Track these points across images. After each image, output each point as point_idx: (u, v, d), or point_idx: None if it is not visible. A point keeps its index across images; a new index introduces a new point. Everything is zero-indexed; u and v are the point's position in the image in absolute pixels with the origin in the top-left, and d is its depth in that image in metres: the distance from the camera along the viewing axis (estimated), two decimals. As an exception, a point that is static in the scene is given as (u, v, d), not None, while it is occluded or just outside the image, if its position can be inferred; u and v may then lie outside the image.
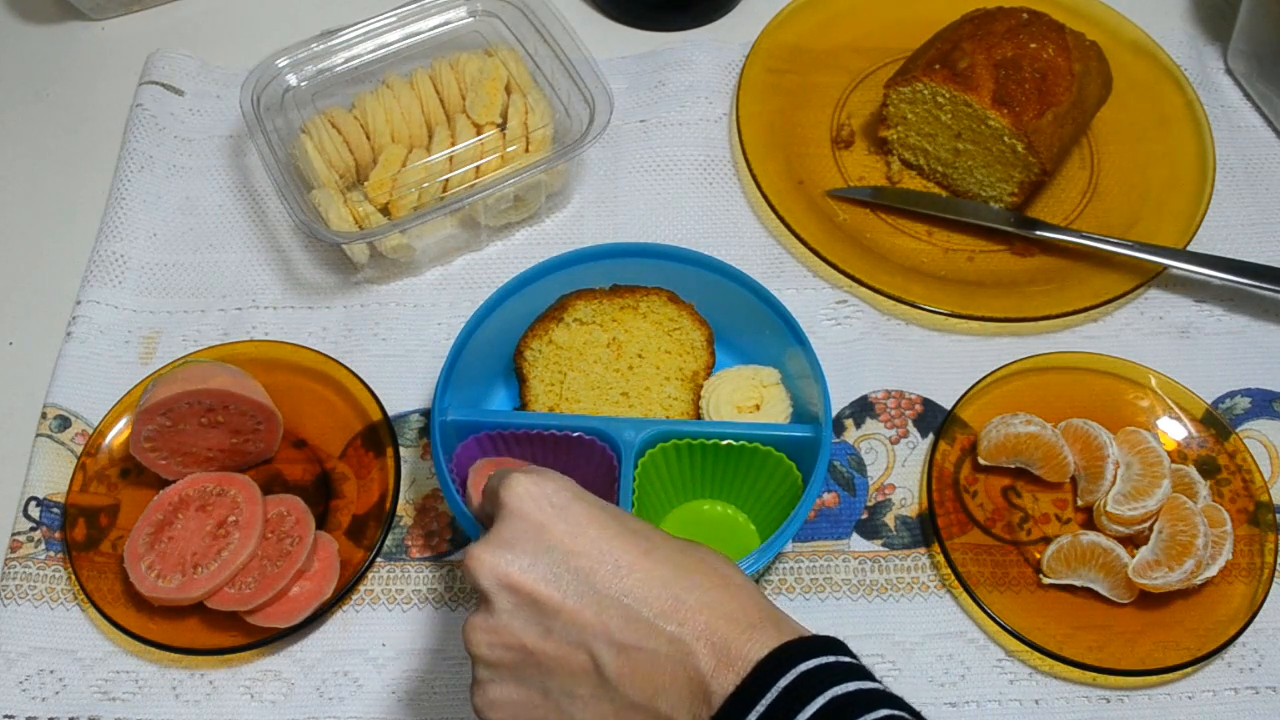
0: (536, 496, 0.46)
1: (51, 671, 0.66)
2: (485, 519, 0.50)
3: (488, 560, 0.46)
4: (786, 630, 0.44)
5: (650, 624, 0.44)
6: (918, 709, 0.63)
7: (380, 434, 0.71)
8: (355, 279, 0.81)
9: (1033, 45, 0.78)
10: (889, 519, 0.71)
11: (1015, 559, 0.69)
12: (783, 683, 0.41)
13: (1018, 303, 0.77)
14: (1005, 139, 0.78)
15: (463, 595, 0.68)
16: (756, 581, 0.69)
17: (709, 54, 0.91)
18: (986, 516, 0.70)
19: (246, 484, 0.67)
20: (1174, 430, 0.73)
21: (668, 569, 0.45)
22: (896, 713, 0.41)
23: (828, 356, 0.70)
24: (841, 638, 0.67)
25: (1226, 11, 0.94)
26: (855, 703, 0.41)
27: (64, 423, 0.73)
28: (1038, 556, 0.69)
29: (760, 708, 0.41)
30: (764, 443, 0.66)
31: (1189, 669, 0.65)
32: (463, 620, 0.50)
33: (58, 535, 0.70)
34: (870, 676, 0.44)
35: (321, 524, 0.70)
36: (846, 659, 0.44)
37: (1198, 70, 0.91)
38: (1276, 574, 0.68)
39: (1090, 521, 0.70)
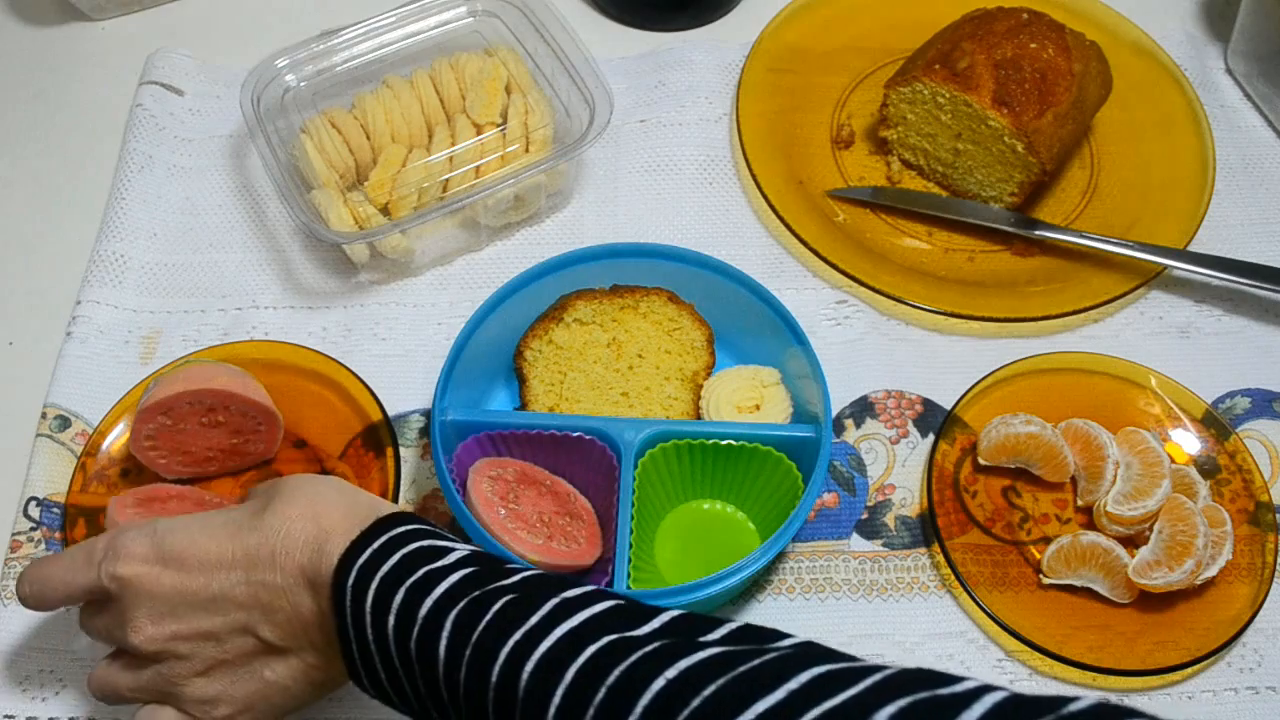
0: (139, 559, 0.52)
1: (51, 671, 0.66)
2: (97, 595, 0.55)
3: (148, 632, 0.52)
4: (354, 526, 0.50)
5: (269, 586, 0.50)
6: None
7: (380, 434, 0.71)
8: (355, 279, 0.81)
9: (1033, 45, 0.78)
10: (889, 519, 0.71)
11: (1015, 559, 0.69)
12: (350, 581, 0.48)
13: (1018, 303, 0.77)
14: (1005, 139, 0.78)
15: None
16: (756, 582, 0.69)
17: (709, 54, 0.91)
18: (986, 516, 0.70)
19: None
20: (1174, 430, 0.73)
21: (252, 536, 0.51)
22: (430, 567, 0.48)
23: (828, 356, 0.70)
24: (842, 637, 0.67)
25: (1226, 11, 0.94)
26: (401, 569, 0.48)
27: (64, 423, 0.73)
28: (1038, 556, 0.69)
29: (347, 613, 0.48)
30: (764, 443, 0.66)
31: (1189, 669, 0.65)
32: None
33: (58, 535, 0.70)
34: (419, 533, 0.50)
35: (321, 524, 0.70)
36: (401, 528, 0.50)
37: (1198, 70, 0.91)
38: (1277, 574, 0.68)
39: (1090, 522, 0.70)
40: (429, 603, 0.46)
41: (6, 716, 0.64)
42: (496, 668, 0.44)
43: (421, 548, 0.49)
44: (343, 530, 0.50)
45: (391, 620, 0.47)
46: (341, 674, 0.51)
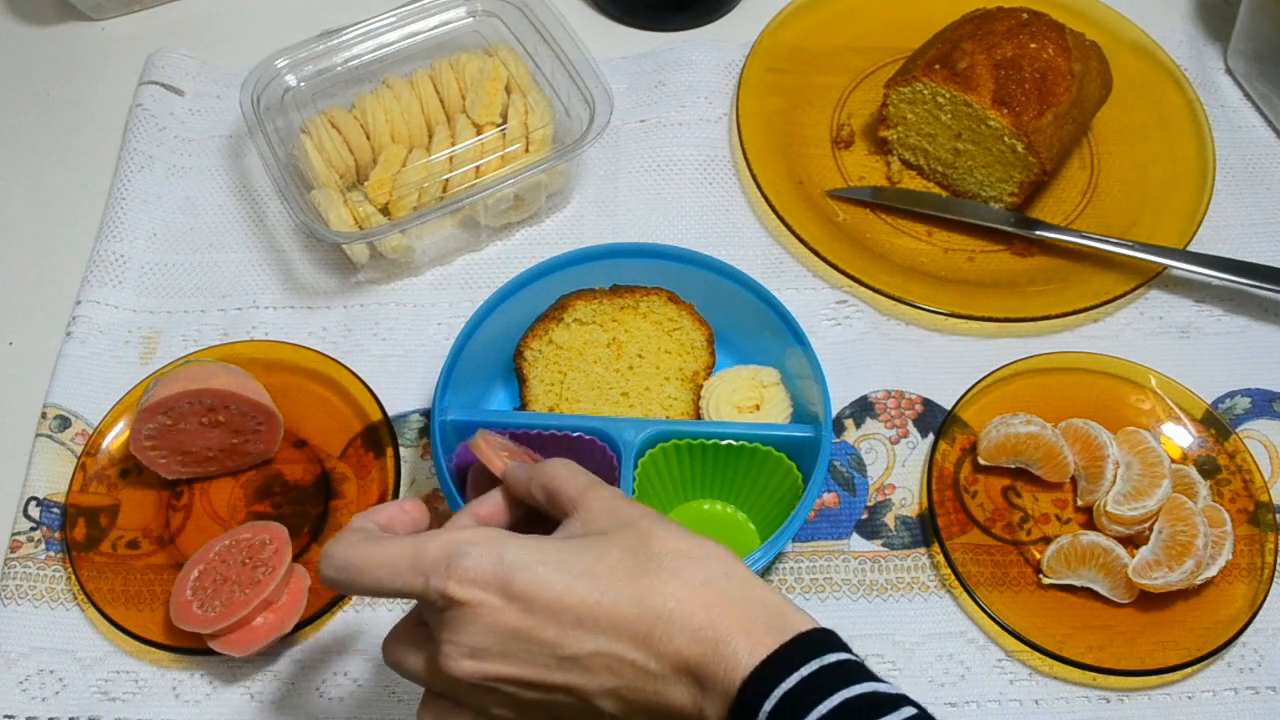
0: (481, 584, 0.45)
1: (51, 671, 0.66)
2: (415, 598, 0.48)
3: (467, 665, 0.45)
4: (759, 629, 0.43)
5: (634, 666, 0.44)
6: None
7: (380, 434, 0.71)
8: (355, 279, 0.81)
9: (1033, 45, 0.78)
10: (889, 519, 0.71)
11: (1015, 559, 0.69)
12: (768, 708, 0.41)
13: (1018, 303, 0.77)
14: (1005, 139, 0.78)
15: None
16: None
17: (709, 54, 0.91)
18: (986, 516, 0.70)
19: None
20: (1174, 430, 0.73)
21: (624, 603, 0.44)
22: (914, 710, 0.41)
23: (828, 356, 0.70)
24: (842, 638, 0.67)
25: (1226, 11, 0.94)
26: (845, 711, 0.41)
27: (64, 423, 0.73)
28: (1038, 556, 0.69)
29: None
30: (764, 443, 0.66)
31: (1189, 669, 0.65)
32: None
33: (58, 535, 0.70)
34: (854, 672, 0.43)
35: (321, 524, 0.70)
36: (832, 658, 0.43)
37: (1198, 70, 0.91)
38: (1276, 574, 0.68)
39: (1090, 521, 0.70)
40: None
41: (6, 716, 0.64)
42: None
43: (863, 695, 0.41)
44: (743, 630, 0.42)
45: None
46: None
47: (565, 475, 0.50)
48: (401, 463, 0.71)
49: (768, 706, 0.40)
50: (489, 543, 0.45)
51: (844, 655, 0.43)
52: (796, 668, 0.41)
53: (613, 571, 0.45)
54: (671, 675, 0.43)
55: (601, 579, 0.44)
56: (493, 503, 0.53)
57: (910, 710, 0.41)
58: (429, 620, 0.47)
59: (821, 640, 0.43)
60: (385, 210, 0.78)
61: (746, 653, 0.42)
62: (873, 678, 0.42)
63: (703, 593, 0.44)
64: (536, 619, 0.44)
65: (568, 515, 0.49)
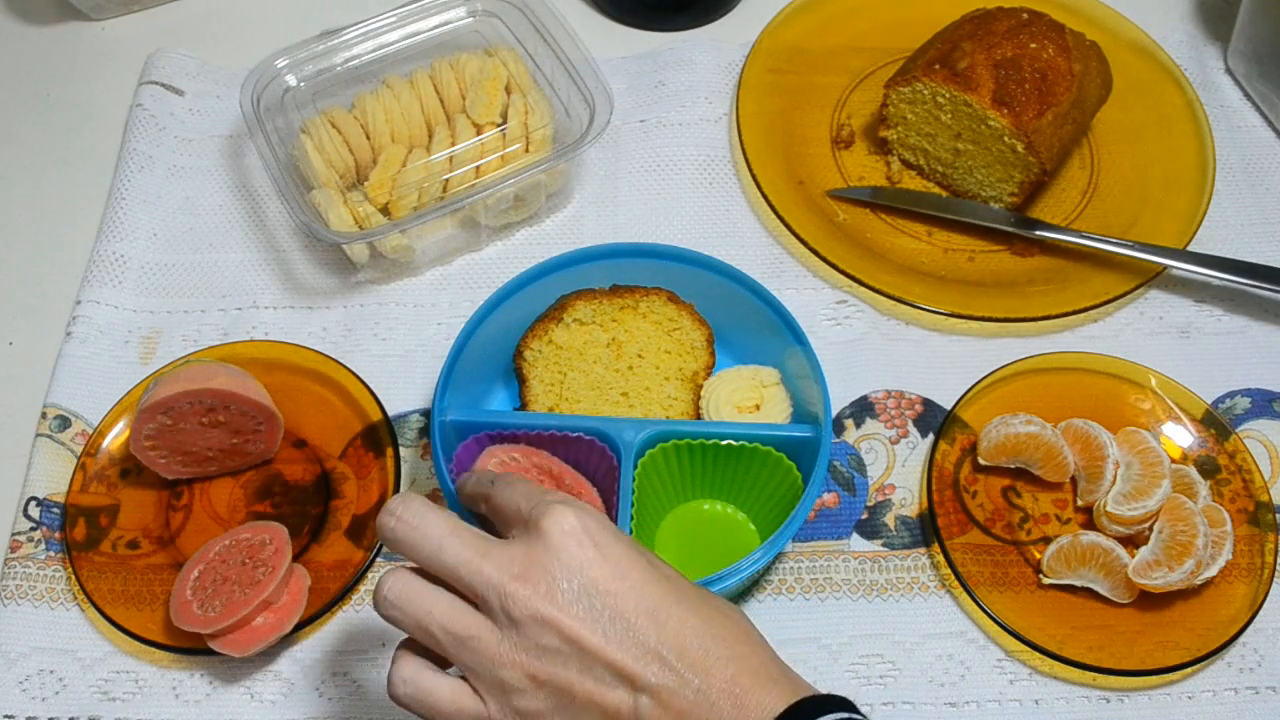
0: (579, 532, 0.46)
1: (51, 671, 0.66)
2: (480, 515, 0.49)
3: (523, 592, 0.45)
4: (801, 688, 0.45)
5: (681, 674, 0.44)
6: (917, 709, 0.64)
7: (380, 434, 0.71)
8: (355, 279, 0.81)
9: (1033, 45, 0.78)
10: (889, 519, 0.71)
11: (1015, 559, 0.69)
12: None
13: (1018, 303, 0.77)
14: (1005, 139, 0.78)
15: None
16: (756, 582, 0.69)
17: (709, 54, 0.91)
18: (986, 516, 0.70)
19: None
20: (1174, 430, 0.73)
21: (697, 619, 0.45)
22: None
23: (828, 356, 0.70)
24: (842, 638, 0.67)
25: (1226, 11, 0.94)
26: None
27: (64, 423, 0.73)
28: (1038, 556, 0.69)
29: None
30: (764, 443, 0.66)
31: (1189, 669, 0.65)
32: (473, 643, 0.46)
33: (58, 535, 0.70)
34: None
35: (321, 524, 0.70)
36: (859, 716, 0.45)
37: (1198, 70, 0.91)
38: (1276, 574, 0.68)
39: (1090, 521, 0.70)
40: None
41: (6, 716, 0.64)
42: None
43: None
44: (785, 679, 0.46)
45: None
46: None
47: (520, 494, 0.51)
48: (401, 463, 0.71)
49: None
50: (594, 513, 0.47)
51: (856, 715, 0.45)
52: (816, 717, 0.43)
53: (692, 594, 0.47)
54: (715, 696, 0.44)
55: (684, 591, 0.46)
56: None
57: None
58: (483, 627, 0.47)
59: (840, 703, 0.45)
60: (385, 210, 0.78)
61: (790, 693, 0.44)
62: None
63: (757, 646, 0.47)
64: (620, 586, 0.45)
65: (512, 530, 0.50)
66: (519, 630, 0.45)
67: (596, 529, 0.46)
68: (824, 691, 0.46)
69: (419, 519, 0.48)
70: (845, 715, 0.44)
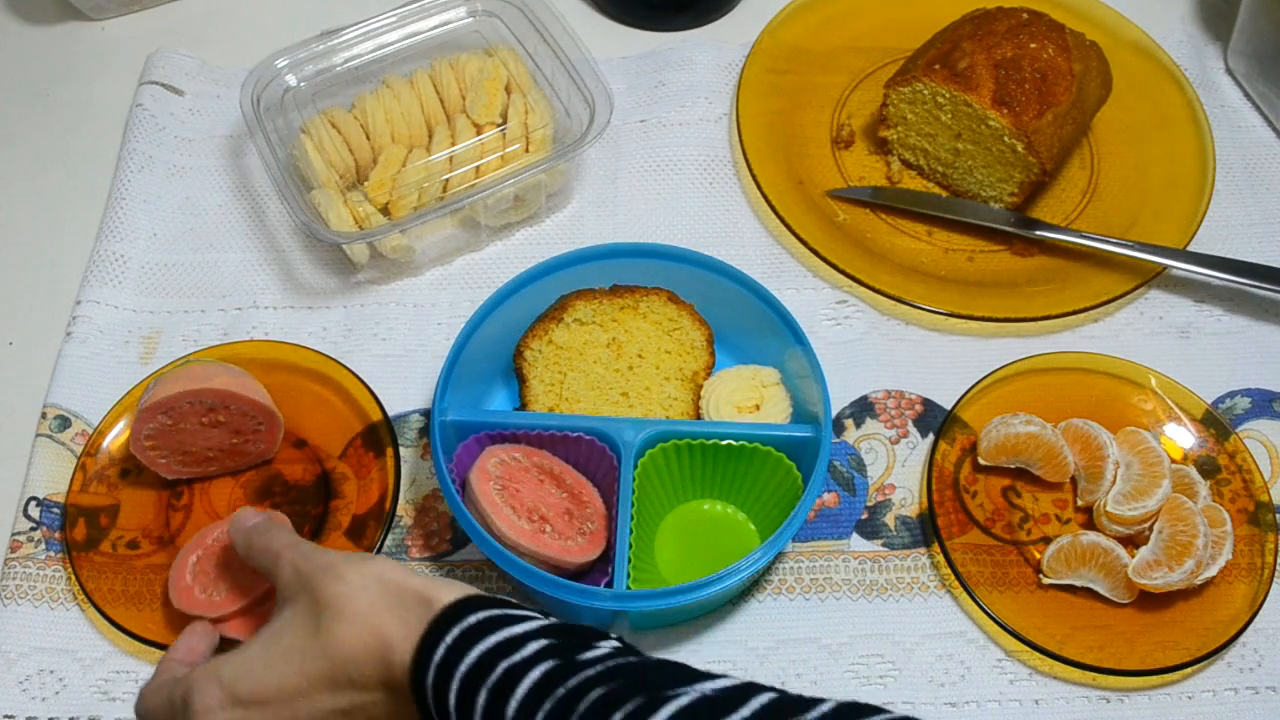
0: (216, 708, 0.51)
1: (51, 671, 0.66)
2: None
3: None
4: (414, 623, 0.48)
5: (358, 706, 0.49)
6: (917, 709, 0.64)
7: (380, 434, 0.71)
8: (355, 279, 0.81)
9: (1033, 45, 0.78)
10: (889, 519, 0.71)
11: (1015, 559, 0.69)
12: (428, 682, 0.46)
13: (1018, 303, 0.77)
14: (1005, 139, 0.78)
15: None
16: (756, 582, 0.69)
17: (709, 54, 0.91)
18: (986, 516, 0.70)
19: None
20: (1174, 430, 0.73)
21: (321, 663, 0.49)
22: (510, 662, 0.46)
23: (828, 356, 0.70)
24: (842, 637, 0.67)
25: (1226, 11, 0.94)
26: (478, 671, 0.46)
27: (64, 423, 0.73)
28: (1038, 556, 0.69)
29: (431, 709, 0.47)
30: (764, 443, 0.66)
31: (1189, 669, 0.65)
32: None
33: (58, 535, 0.70)
34: (490, 626, 0.48)
35: (321, 524, 0.70)
36: (473, 618, 0.48)
37: (1198, 70, 0.91)
38: (1276, 574, 0.68)
39: (1090, 521, 0.70)
40: (514, 702, 0.45)
41: (6, 716, 0.64)
42: None
43: (497, 643, 0.47)
44: (402, 635, 0.48)
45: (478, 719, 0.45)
46: None
47: (258, 543, 0.57)
48: (401, 463, 0.71)
49: (429, 683, 0.46)
50: (206, 675, 0.52)
51: (484, 614, 0.48)
52: (442, 639, 0.47)
53: (300, 640, 0.51)
54: (380, 696, 0.49)
55: (295, 652, 0.50)
56: (189, 640, 0.60)
57: (543, 642, 0.47)
58: None
59: (462, 607, 0.48)
60: (385, 210, 0.78)
61: (407, 650, 0.47)
62: (508, 623, 0.48)
63: (369, 620, 0.49)
64: (272, 709, 0.50)
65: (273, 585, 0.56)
66: None
67: (217, 693, 0.52)
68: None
69: None
70: (461, 630, 0.47)
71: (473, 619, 0.48)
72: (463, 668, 0.46)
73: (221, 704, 0.51)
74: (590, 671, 0.45)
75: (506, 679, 0.45)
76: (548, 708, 0.44)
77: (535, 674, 0.45)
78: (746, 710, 0.42)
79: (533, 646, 0.46)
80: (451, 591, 0.50)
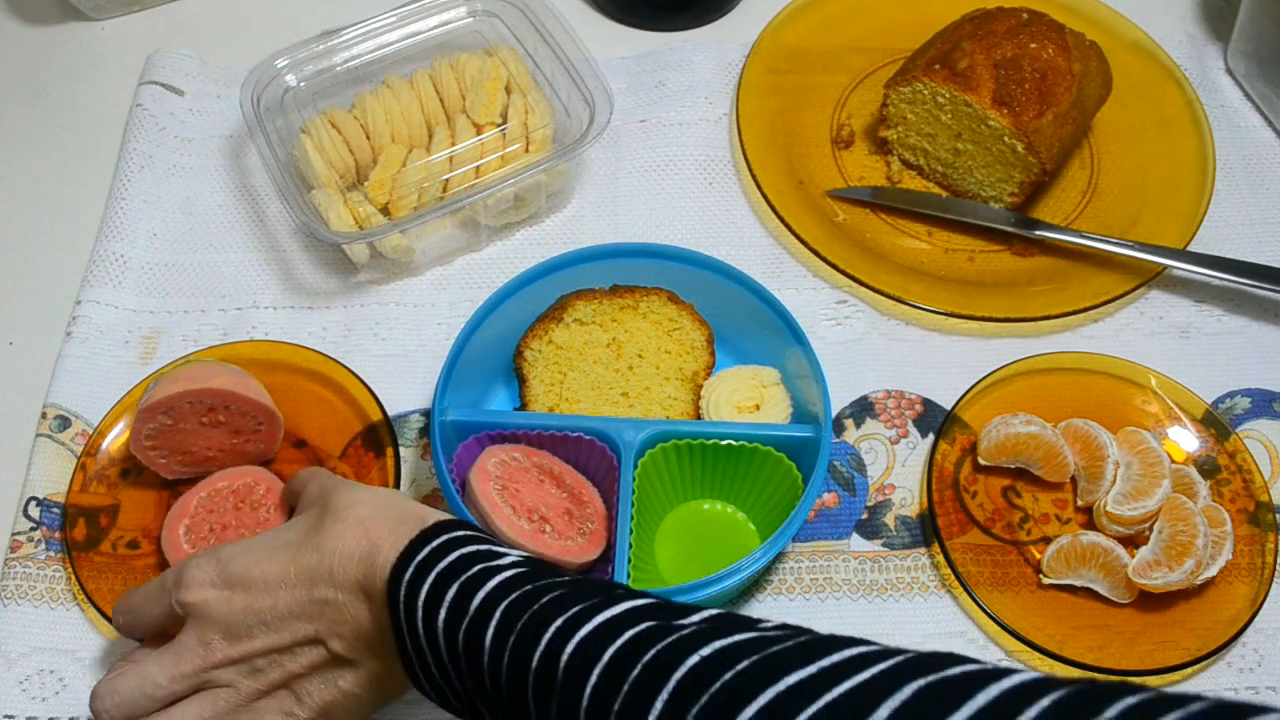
0: (205, 583, 0.55)
1: (51, 671, 0.66)
2: (175, 620, 0.57)
3: (219, 657, 0.54)
4: (404, 535, 0.52)
5: (330, 603, 0.52)
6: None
7: (380, 434, 0.71)
8: (355, 279, 0.81)
9: (1033, 45, 0.78)
10: (889, 519, 0.71)
11: (1015, 559, 0.69)
12: (404, 580, 0.49)
13: (1018, 303, 0.77)
14: (1005, 139, 0.78)
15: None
16: (756, 582, 0.69)
17: (709, 54, 0.91)
18: (986, 516, 0.70)
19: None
20: (1174, 430, 0.73)
21: (311, 555, 0.53)
22: (485, 564, 0.49)
23: (828, 356, 0.70)
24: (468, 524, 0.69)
25: (1226, 11, 0.94)
26: (456, 566, 0.50)
27: (64, 423, 0.73)
28: (1038, 556, 0.69)
29: (401, 615, 0.49)
30: (764, 443, 0.66)
31: (1189, 669, 0.65)
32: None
33: (58, 535, 0.70)
34: (473, 539, 0.52)
35: (321, 524, 0.70)
36: (457, 532, 0.51)
37: (1198, 70, 0.91)
38: (1277, 574, 0.68)
39: (1090, 521, 0.70)
40: (480, 595, 0.48)
41: (6, 716, 0.64)
42: (537, 653, 0.44)
43: (477, 551, 0.50)
44: (391, 542, 0.51)
45: (443, 614, 0.48)
46: (405, 679, 0.52)
47: (297, 477, 0.64)
48: (401, 463, 0.71)
49: (405, 578, 0.49)
50: (207, 552, 0.56)
51: (470, 533, 0.52)
52: (422, 548, 0.50)
53: (301, 535, 0.54)
54: (353, 599, 0.52)
55: (292, 545, 0.54)
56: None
57: (516, 555, 0.51)
58: (184, 647, 0.55)
59: (446, 525, 0.52)
60: (385, 210, 0.78)
61: (392, 552, 0.51)
62: (490, 543, 0.51)
63: (365, 524, 0.53)
64: (255, 594, 0.54)
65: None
66: (239, 675, 0.54)
67: (212, 571, 0.55)
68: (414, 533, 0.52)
69: (114, 697, 0.56)
70: (446, 537, 0.51)
71: (460, 532, 0.52)
72: (440, 566, 0.49)
73: (212, 581, 0.55)
74: (556, 578, 0.49)
75: (480, 575, 0.49)
76: (511, 599, 0.47)
77: (506, 575, 0.49)
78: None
79: (509, 558, 0.50)
80: (442, 515, 0.54)
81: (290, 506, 0.64)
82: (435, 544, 0.50)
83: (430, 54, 0.83)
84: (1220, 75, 0.92)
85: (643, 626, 0.44)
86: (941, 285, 0.79)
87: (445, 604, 0.48)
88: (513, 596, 0.47)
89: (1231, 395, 0.76)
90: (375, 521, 0.53)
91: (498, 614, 0.47)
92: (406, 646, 0.49)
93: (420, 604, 0.49)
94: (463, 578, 0.49)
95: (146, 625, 0.58)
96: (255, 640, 0.54)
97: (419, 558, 0.50)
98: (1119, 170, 0.86)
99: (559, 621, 0.45)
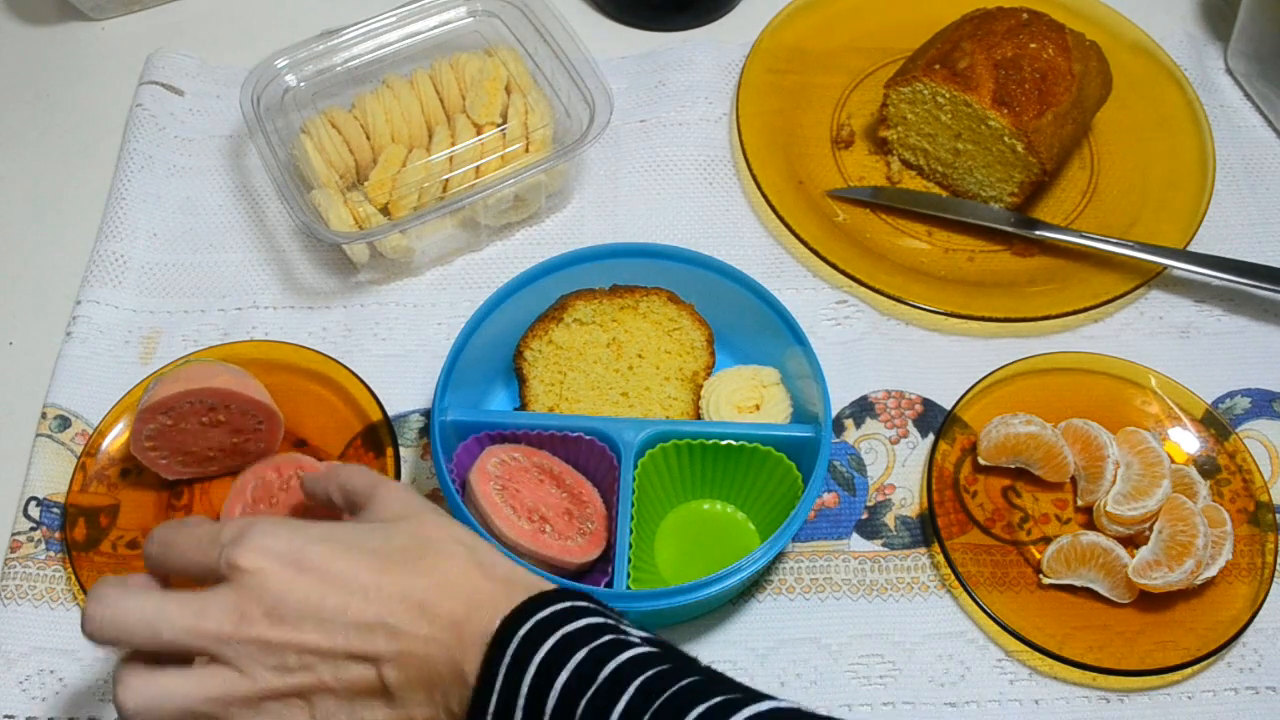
0: (270, 555, 0.48)
1: (51, 671, 0.66)
2: (211, 576, 0.50)
3: (250, 631, 0.47)
4: (519, 592, 0.48)
5: (409, 634, 0.47)
6: (918, 709, 0.64)
7: (380, 434, 0.71)
8: (355, 279, 0.81)
9: (1033, 45, 0.78)
10: (889, 519, 0.71)
11: (1015, 559, 0.69)
12: (519, 636, 0.45)
13: (1018, 303, 0.77)
14: (1005, 139, 0.78)
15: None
16: (756, 582, 0.69)
17: (709, 54, 0.91)
18: (986, 516, 0.70)
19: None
20: (1174, 430, 0.73)
21: (405, 575, 0.48)
22: (616, 636, 0.46)
23: (828, 356, 0.70)
24: (842, 638, 0.67)
25: (1226, 11, 0.94)
26: (584, 633, 0.46)
27: (64, 423, 0.73)
28: (1038, 556, 0.69)
29: (504, 667, 0.45)
30: (764, 443, 0.66)
31: (1189, 669, 0.65)
32: (230, 700, 0.47)
33: (58, 535, 0.70)
34: (600, 611, 0.48)
35: (321, 524, 0.70)
36: (582, 603, 0.48)
37: (1198, 70, 0.91)
38: (1277, 574, 0.68)
39: (1090, 521, 0.70)
40: (612, 665, 0.44)
41: (6, 716, 0.65)
42: None
43: (605, 623, 0.47)
44: (505, 592, 0.48)
45: (564, 677, 0.44)
46: None
47: (357, 473, 0.56)
48: (401, 463, 0.71)
49: (524, 630, 0.45)
50: (281, 521, 0.50)
51: (582, 602, 0.48)
52: (551, 604, 0.47)
53: (393, 549, 0.49)
54: (438, 634, 0.47)
55: (381, 555, 0.49)
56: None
57: (645, 633, 0.47)
58: (204, 604, 0.48)
59: (569, 594, 0.48)
60: (385, 210, 0.78)
61: (507, 602, 0.47)
62: (614, 616, 0.48)
63: (473, 570, 0.49)
64: (327, 588, 0.47)
65: (361, 509, 0.54)
66: (260, 664, 0.47)
67: (284, 543, 0.48)
68: (550, 588, 0.48)
69: (117, 607, 0.48)
70: (566, 605, 0.47)
71: (583, 602, 0.48)
72: (568, 628, 0.46)
73: (280, 554, 0.48)
74: (692, 666, 0.46)
75: (613, 646, 0.45)
76: (650, 674, 0.44)
77: (641, 650, 0.45)
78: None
79: (640, 635, 0.47)
80: (553, 585, 0.50)
81: (315, 498, 0.58)
82: (560, 606, 0.47)
83: (430, 54, 0.83)
84: (1220, 75, 0.92)
85: None
86: (941, 285, 0.79)
87: (569, 668, 0.44)
88: (649, 673, 0.44)
89: (1231, 395, 0.76)
90: (485, 572, 0.49)
91: (631, 689, 0.43)
92: (489, 703, 0.45)
93: (536, 661, 0.45)
94: (592, 644, 0.45)
95: (177, 566, 0.51)
96: (304, 633, 0.47)
97: (541, 615, 0.46)
98: (1119, 170, 0.86)
99: (700, 709, 0.42)
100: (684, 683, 0.44)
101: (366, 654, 0.47)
